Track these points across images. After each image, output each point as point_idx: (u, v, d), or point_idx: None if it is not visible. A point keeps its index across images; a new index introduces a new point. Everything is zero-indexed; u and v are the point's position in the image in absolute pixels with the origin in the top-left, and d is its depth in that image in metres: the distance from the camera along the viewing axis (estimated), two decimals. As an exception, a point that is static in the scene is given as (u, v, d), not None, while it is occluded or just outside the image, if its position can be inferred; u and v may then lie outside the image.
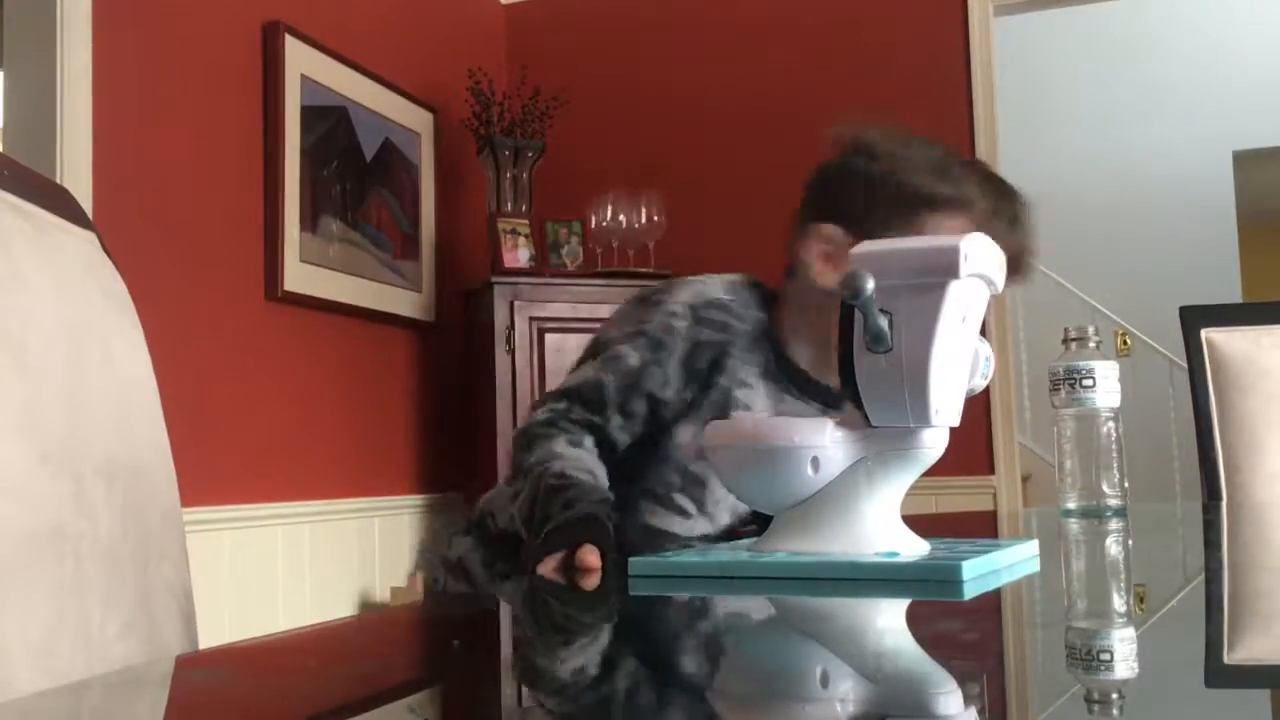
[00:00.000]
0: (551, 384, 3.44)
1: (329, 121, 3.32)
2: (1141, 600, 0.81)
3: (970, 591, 0.75)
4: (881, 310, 0.80)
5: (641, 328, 1.35)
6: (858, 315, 0.81)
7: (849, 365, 0.82)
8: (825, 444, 0.83)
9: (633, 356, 1.32)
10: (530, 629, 0.77)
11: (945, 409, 0.82)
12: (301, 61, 3.20)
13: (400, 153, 3.63)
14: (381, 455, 3.51)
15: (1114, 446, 1.34)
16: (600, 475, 1.23)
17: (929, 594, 0.76)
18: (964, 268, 0.81)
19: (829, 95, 4.05)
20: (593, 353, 1.39)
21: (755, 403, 1.32)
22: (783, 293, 1.41)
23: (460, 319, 3.86)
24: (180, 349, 2.74)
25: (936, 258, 0.81)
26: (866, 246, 0.84)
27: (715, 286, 1.38)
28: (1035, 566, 0.91)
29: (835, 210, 1.38)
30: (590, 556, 1.01)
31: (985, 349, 0.90)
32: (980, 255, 0.83)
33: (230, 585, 2.87)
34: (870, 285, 0.77)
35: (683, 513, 1.33)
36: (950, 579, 0.76)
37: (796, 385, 1.35)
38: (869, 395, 0.82)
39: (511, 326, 3.46)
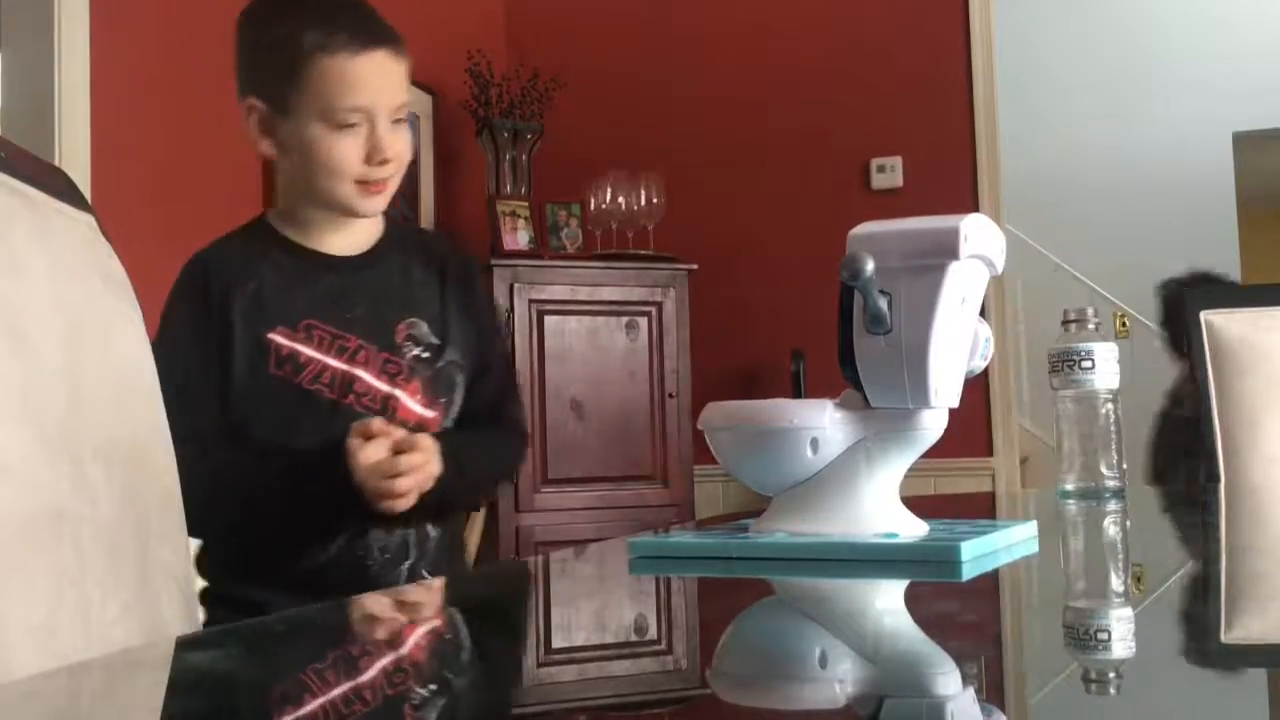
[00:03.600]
0: (551, 367, 3.46)
1: (327, 103, 3.31)
2: (1139, 581, 0.81)
3: (969, 572, 0.75)
4: (881, 291, 0.80)
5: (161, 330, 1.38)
6: (857, 296, 0.81)
7: (848, 346, 0.82)
8: (824, 425, 0.83)
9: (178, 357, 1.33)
10: (526, 607, 0.77)
11: (944, 390, 0.82)
12: (299, 43, 3.19)
13: (399, 135, 3.62)
14: (381, 438, 3.51)
15: (1113, 428, 1.34)
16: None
17: (928, 575, 0.76)
18: (964, 249, 0.80)
19: (827, 77, 4.04)
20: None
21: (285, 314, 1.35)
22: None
23: (459, 301, 3.85)
24: (179, 332, 2.74)
25: (936, 239, 0.81)
26: (865, 228, 0.84)
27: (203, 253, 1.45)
28: (1034, 548, 0.91)
29: (251, 82, 1.46)
30: None
31: (985, 330, 0.90)
32: (980, 236, 0.83)
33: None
34: (870, 267, 0.77)
35: None
36: (949, 560, 0.76)
37: (293, 256, 1.41)
38: (868, 376, 0.82)
39: (511, 309, 3.46)
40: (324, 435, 1.29)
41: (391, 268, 1.44)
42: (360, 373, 1.37)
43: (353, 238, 1.43)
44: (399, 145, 1.41)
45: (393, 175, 1.41)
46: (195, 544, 1.38)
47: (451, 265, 1.49)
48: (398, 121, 1.41)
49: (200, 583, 1.36)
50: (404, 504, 1.27)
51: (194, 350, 1.34)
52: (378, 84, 1.39)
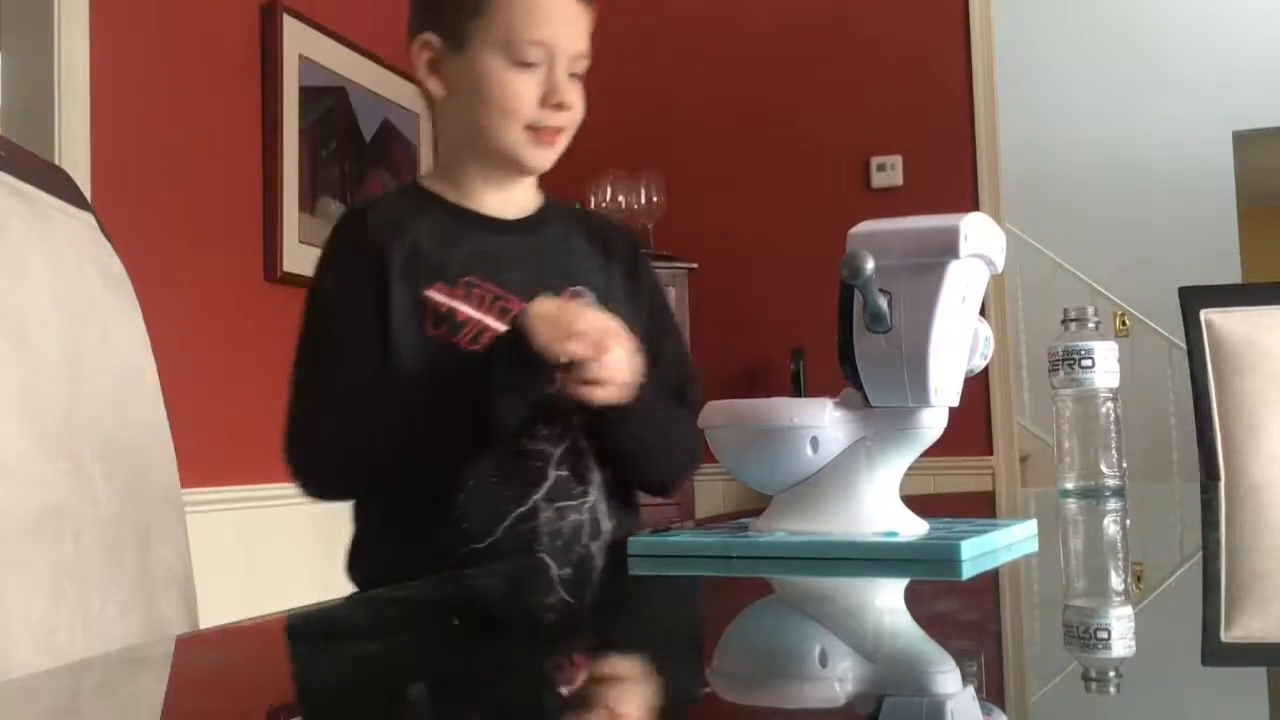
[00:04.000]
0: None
1: (328, 102, 3.31)
2: (1139, 580, 0.81)
3: (969, 571, 0.75)
4: (881, 290, 0.80)
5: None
6: (857, 295, 0.81)
7: (848, 345, 0.82)
8: (824, 424, 0.83)
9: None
10: (529, 607, 0.77)
11: (944, 389, 0.82)
12: (300, 42, 3.19)
13: (399, 133, 3.62)
14: (381, 436, 3.51)
15: (1112, 427, 1.34)
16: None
17: (928, 573, 0.76)
18: (964, 247, 0.80)
19: (827, 76, 4.04)
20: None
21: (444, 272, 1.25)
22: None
23: (459, 300, 3.85)
24: (179, 330, 2.74)
25: (936, 238, 0.81)
26: (865, 226, 0.84)
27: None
28: (1034, 546, 0.91)
29: (427, 17, 1.33)
30: None
31: (985, 329, 0.90)
32: (980, 235, 0.83)
33: (232, 566, 2.88)
34: (870, 266, 0.77)
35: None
36: (949, 558, 0.76)
37: (459, 219, 1.31)
38: (868, 375, 0.82)
39: (511, 308, 3.45)
40: None
41: (552, 236, 1.34)
42: None
43: (512, 201, 1.33)
44: (576, 95, 1.29)
45: (566, 128, 1.29)
46: (346, 533, 1.30)
47: (615, 242, 1.39)
48: (574, 76, 1.30)
49: (349, 589, 1.28)
50: (590, 383, 1.12)
51: (353, 304, 1.25)
52: (563, 22, 1.29)
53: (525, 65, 1.26)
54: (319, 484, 1.24)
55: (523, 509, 1.22)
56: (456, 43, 1.29)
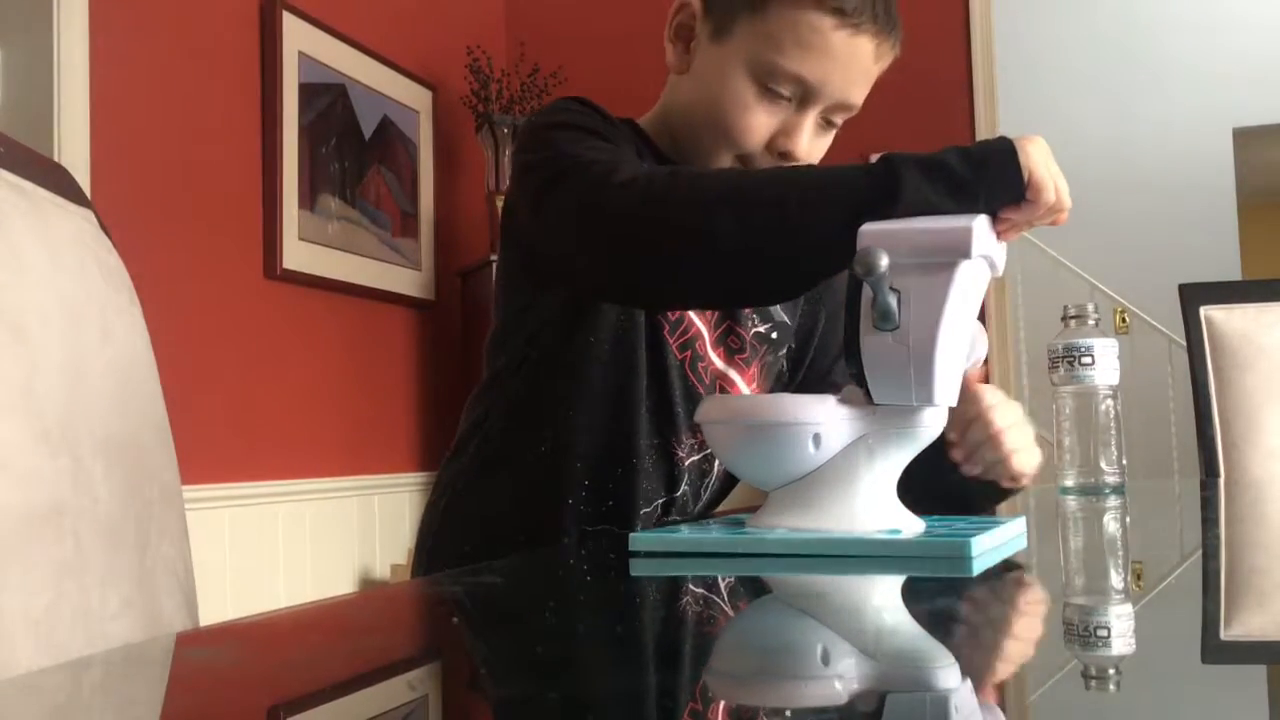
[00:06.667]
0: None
1: (327, 99, 3.31)
2: (1139, 577, 0.81)
3: (978, 568, 0.75)
4: (890, 288, 0.80)
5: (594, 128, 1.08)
6: (865, 292, 0.81)
7: (854, 342, 0.82)
8: (826, 421, 0.83)
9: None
10: (528, 604, 0.77)
11: (947, 389, 0.82)
12: (299, 39, 3.18)
13: (399, 130, 3.62)
14: (381, 433, 3.52)
15: (1112, 424, 1.34)
16: None
17: (937, 570, 0.76)
18: (975, 248, 0.81)
19: (829, 72, 4.03)
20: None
21: None
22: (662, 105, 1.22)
23: (459, 297, 3.85)
24: (179, 327, 2.74)
25: (948, 238, 0.81)
26: (876, 225, 0.84)
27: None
28: (1023, 544, 0.91)
29: None
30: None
31: (981, 332, 0.90)
32: (986, 236, 0.83)
33: (231, 563, 2.88)
34: (884, 263, 0.77)
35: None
36: (959, 555, 0.76)
37: None
38: (873, 372, 0.82)
39: (510, 304, 3.45)
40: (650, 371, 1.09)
41: None
42: (701, 326, 1.11)
43: None
44: (816, 146, 1.10)
45: None
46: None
47: None
48: (827, 125, 1.12)
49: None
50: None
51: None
52: (840, 64, 1.07)
53: (773, 95, 1.08)
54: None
55: (647, 509, 1.14)
56: (718, 29, 1.11)
